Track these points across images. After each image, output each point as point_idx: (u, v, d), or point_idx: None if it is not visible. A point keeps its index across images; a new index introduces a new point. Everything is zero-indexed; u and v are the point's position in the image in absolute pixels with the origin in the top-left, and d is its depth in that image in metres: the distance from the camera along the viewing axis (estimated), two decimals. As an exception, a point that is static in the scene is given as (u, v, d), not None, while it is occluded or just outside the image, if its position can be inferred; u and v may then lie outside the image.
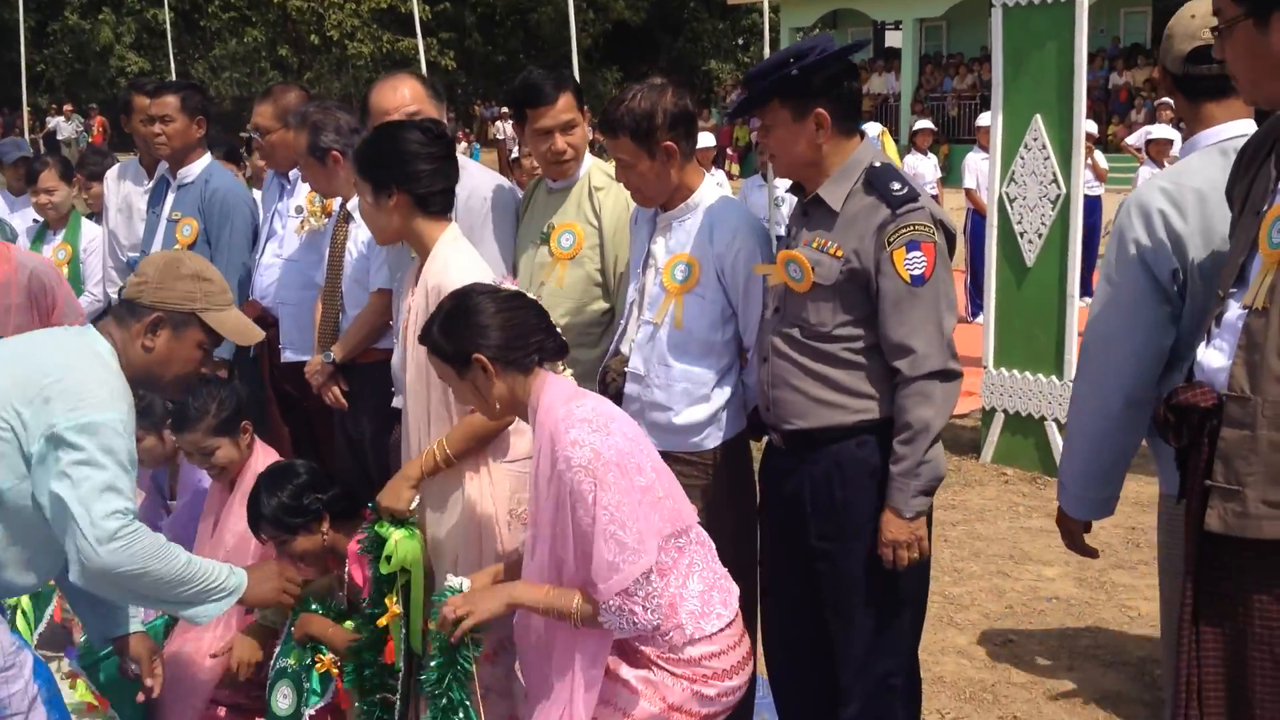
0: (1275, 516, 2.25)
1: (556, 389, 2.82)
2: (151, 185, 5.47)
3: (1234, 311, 2.38)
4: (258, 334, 3.10)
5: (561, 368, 2.95)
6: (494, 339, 2.79)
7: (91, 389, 2.73)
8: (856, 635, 3.15)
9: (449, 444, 3.21)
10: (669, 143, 3.33)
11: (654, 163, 3.36)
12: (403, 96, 4.01)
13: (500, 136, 27.95)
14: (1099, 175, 11.63)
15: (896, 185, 3.01)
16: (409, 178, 3.20)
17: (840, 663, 3.18)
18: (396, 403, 4.21)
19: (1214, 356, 2.40)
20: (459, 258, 3.23)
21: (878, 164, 3.08)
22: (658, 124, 3.32)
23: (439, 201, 3.29)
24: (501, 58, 39.35)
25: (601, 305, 3.84)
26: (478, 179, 4.12)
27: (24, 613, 4.49)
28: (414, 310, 3.23)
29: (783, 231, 8.73)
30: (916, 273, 2.96)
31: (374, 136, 3.30)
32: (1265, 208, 2.37)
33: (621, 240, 3.76)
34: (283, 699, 3.39)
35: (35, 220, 6.45)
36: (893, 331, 3.00)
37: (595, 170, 3.87)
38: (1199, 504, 2.37)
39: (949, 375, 3.01)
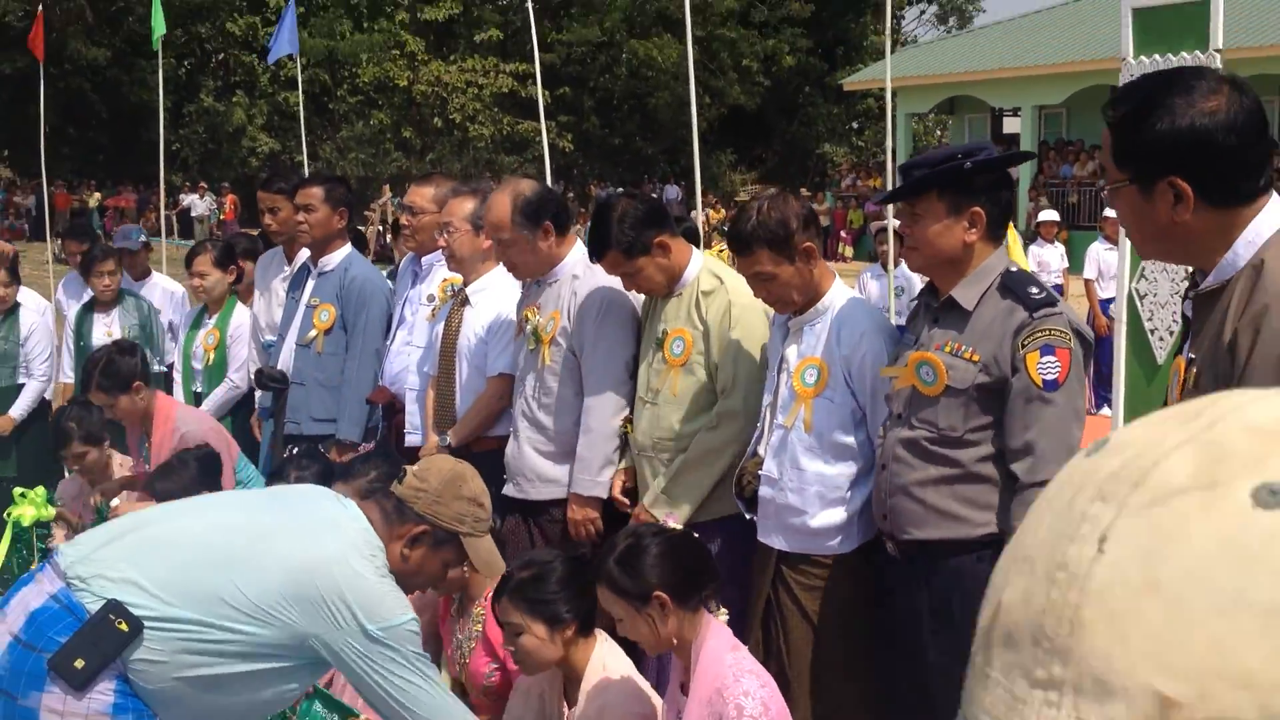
0: None
1: (721, 635, 2.93)
2: (293, 271, 5.65)
3: None
4: (501, 566, 3.08)
5: (719, 612, 3.01)
6: (673, 577, 2.90)
7: (384, 594, 2.71)
8: None
9: None
10: (808, 244, 3.39)
11: (794, 267, 3.39)
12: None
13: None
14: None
15: (1034, 289, 3.01)
16: (583, 606, 3.17)
17: None
18: (507, 490, 4.26)
19: None
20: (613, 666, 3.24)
21: (1013, 269, 3.08)
22: (793, 229, 3.37)
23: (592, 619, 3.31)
24: (618, 140, 39.96)
25: (721, 408, 3.82)
26: (599, 275, 4.16)
27: None
28: None
29: (903, 321, 8.67)
30: (1050, 377, 2.91)
31: (536, 575, 3.21)
32: (1176, 355, 2.39)
33: (723, 343, 3.77)
34: None
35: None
36: (1017, 433, 2.95)
37: (705, 273, 3.89)
38: None
39: None
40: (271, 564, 2.62)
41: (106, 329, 6.56)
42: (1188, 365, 2.28)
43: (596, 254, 3.88)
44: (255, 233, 6.50)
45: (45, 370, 6.73)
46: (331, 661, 2.68)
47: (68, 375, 6.71)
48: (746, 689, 2.76)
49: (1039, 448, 2.92)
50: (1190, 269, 2.49)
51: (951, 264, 3.09)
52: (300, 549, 2.66)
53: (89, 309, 6.69)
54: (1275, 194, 2.26)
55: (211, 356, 6.13)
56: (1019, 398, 2.95)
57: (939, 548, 3.07)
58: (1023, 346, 2.94)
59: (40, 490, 4.88)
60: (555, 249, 4.21)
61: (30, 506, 4.72)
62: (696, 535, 3.14)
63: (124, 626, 2.48)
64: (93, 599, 2.52)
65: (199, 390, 6.21)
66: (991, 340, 3.00)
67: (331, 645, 2.62)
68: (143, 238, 7.56)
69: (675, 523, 3.07)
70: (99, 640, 2.48)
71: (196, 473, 4.36)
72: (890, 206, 12.24)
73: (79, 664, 2.46)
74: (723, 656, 2.85)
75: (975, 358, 3.00)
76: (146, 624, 2.51)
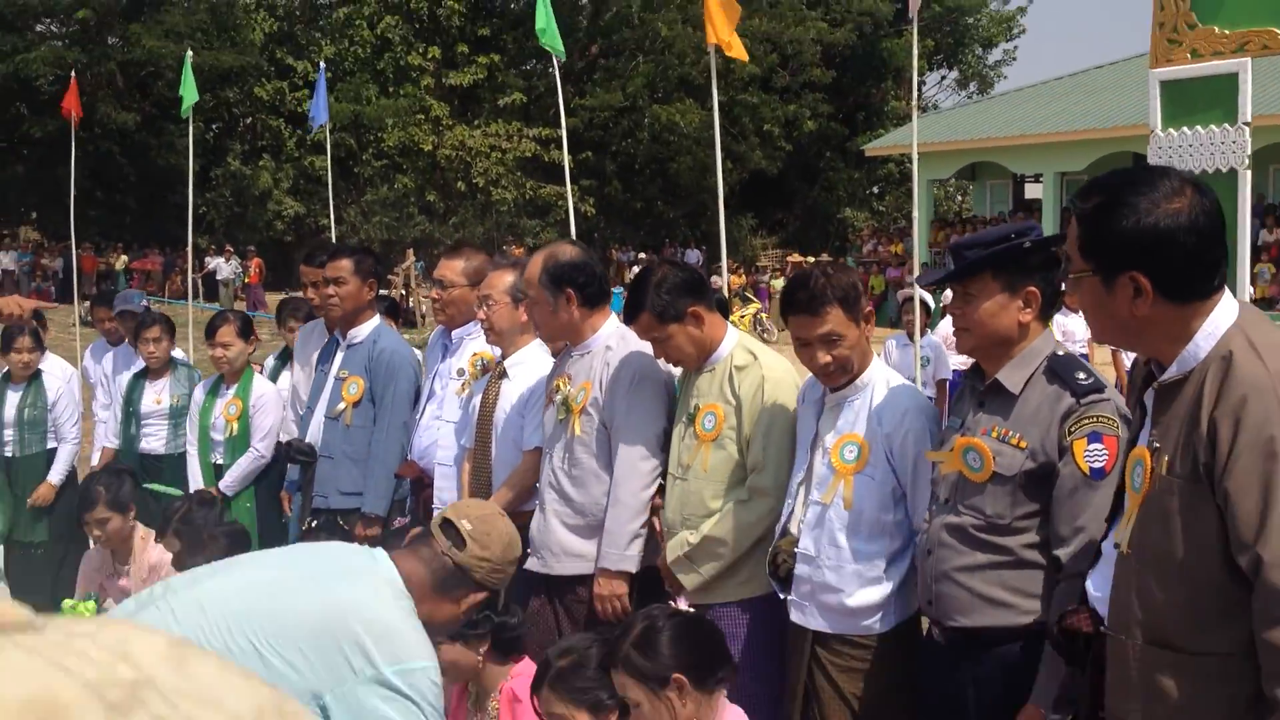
0: None
1: (734, 714, 2.90)
2: (323, 344, 5.65)
3: (1109, 544, 2.47)
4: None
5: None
6: (690, 659, 2.87)
7: (406, 635, 2.64)
8: None
9: None
10: (869, 309, 3.43)
11: (859, 330, 3.40)
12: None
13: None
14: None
15: (1082, 375, 2.96)
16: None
17: None
18: (531, 564, 4.23)
19: (1095, 584, 2.52)
20: None
21: (1060, 353, 3.04)
22: (861, 291, 3.41)
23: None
24: (640, 204, 40.21)
25: (752, 483, 3.78)
26: (632, 346, 4.15)
27: None
28: None
29: (930, 392, 8.61)
30: (1097, 465, 2.86)
31: (575, 663, 3.12)
32: (1132, 447, 2.45)
33: (755, 418, 3.74)
34: None
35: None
36: (1063, 521, 2.90)
37: (739, 349, 3.87)
38: None
39: None
40: (290, 617, 2.59)
41: (156, 396, 6.57)
42: (1154, 454, 2.33)
43: (630, 316, 3.88)
44: (283, 296, 6.55)
45: (75, 434, 6.81)
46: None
47: (112, 441, 6.77)
48: None
49: (1084, 536, 2.86)
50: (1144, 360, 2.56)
51: (1003, 345, 3.05)
52: (319, 599, 2.62)
53: (141, 376, 6.70)
54: (1227, 290, 2.37)
55: (235, 427, 6.09)
56: (1066, 485, 2.90)
57: (985, 635, 3.01)
58: (1070, 433, 2.90)
59: (90, 604, 4.87)
60: (579, 319, 4.19)
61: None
62: (709, 617, 3.09)
63: None
64: None
65: (219, 462, 6.16)
66: (1039, 426, 2.95)
67: (347, 700, 2.52)
68: (144, 301, 7.61)
69: (685, 604, 3.02)
70: None
71: (225, 549, 4.35)
72: (914, 274, 12.22)
73: None
74: None
75: (1023, 444, 2.95)
76: None
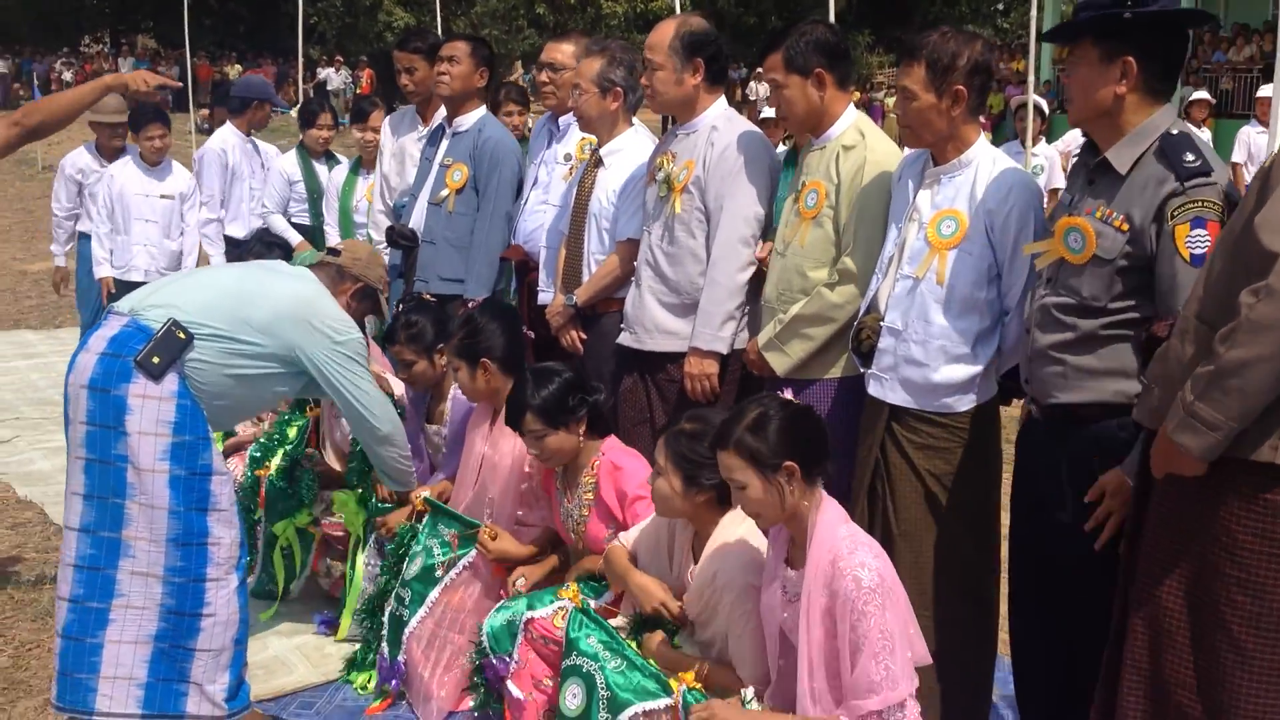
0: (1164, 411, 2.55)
1: (834, 509, 2.93)
2: (429, 130, 5.71)
3: None
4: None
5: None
6: (800, 448, 2.89)
7: (341, 317, 3.87)
8: (1100, 618, 2.99)
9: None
10: (961, 87, 3.31)
11: (939, 103, 3.32)
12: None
13: (752, 98, 27.99)
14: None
15: (1190, 156, 2.83)
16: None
17: (1085, 645, 3.08)
18: (623, 339, 4.31)
19: None
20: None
21: (1175, 131, 2.90)
22: (958, 65, 3.29)
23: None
24: (753, 20, 39.10)
25: (840, 265, 3.76)
26: (738, 127, 4.17)
27: (294, 551, 4.73)
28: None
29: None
30: (1198, 252, 2.77)
31: (695, 433, 3.21)
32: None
33: (851, 200, 3.71)
34: (572, 698, 3.22)
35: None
36: (1170, 308, 2.83)
37: (851, 130, 3.83)
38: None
39: None
40: (273, 297, 3.72)
41: (368, 186, 6.58)
42: None
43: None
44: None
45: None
46: (310, 368, 3.75)
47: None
48: (862, 560, 2.77)
49: None
50: None
51: (1105, 118, 2.96)
52: (291, 289, 3.80)
53: (354, 172, 6.86)
54: None
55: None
56: (1166, 276, 2.84)
57: (1082, 411, 3.01)
58: (1172, 217, 2.82)
59: None
60: (699, 92, 4.18)
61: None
62: (809, 405, 3.09)
63: (182, 335, 3.53)
64: (155, 322, 3.53)
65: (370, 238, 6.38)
66: (1141, 209, 2.87)
67: (310, 353, 3.74)
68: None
69: (790, 394, 3.06)
70: (168, 344, 3.51)
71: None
72: (1031, 84, 11.79)
73: (155, 360, 3.49)
74: (837, 529, 2.87)
75: (1124, 227, 2.89)
76: (195, 335, 3.54)
